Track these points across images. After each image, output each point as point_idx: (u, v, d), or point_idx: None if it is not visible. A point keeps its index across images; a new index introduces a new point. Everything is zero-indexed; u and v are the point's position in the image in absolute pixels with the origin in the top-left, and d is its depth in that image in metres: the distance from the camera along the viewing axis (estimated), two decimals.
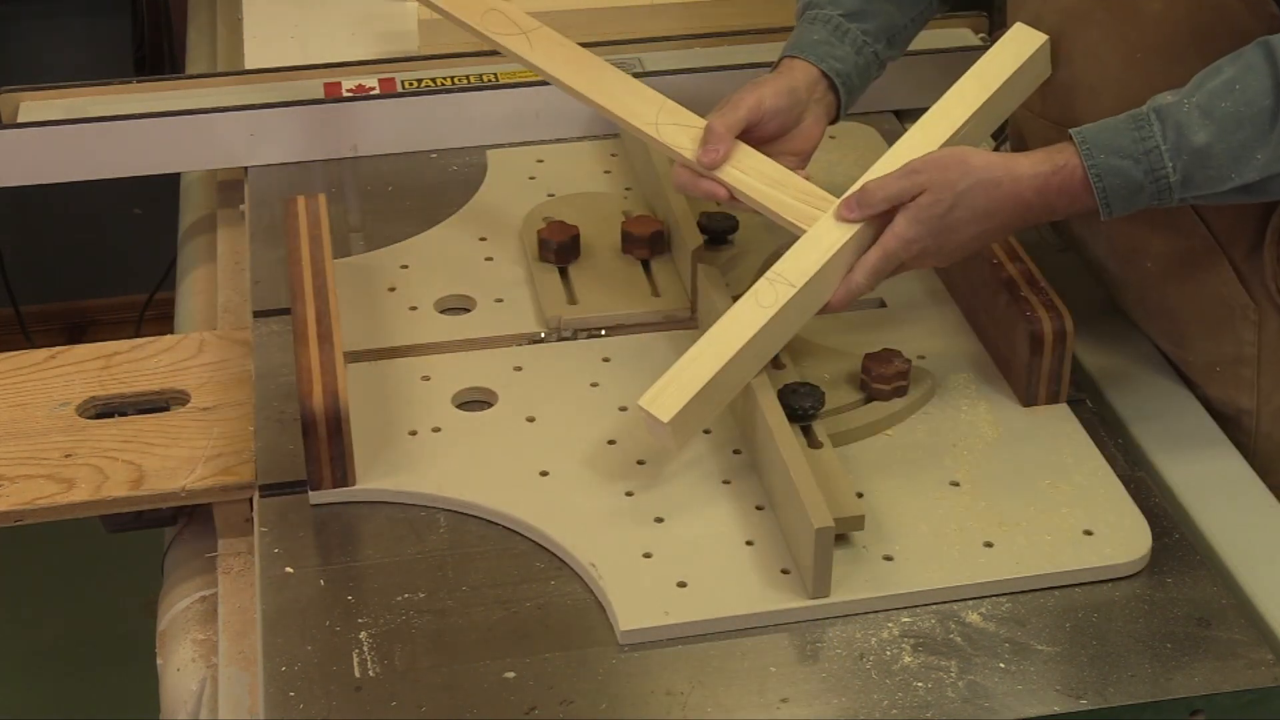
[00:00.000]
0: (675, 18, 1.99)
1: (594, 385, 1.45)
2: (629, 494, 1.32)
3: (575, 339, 1.51)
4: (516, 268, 1.60)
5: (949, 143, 1.38)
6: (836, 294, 1.34)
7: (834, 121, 1.50)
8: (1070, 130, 1.30)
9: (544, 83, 1.78)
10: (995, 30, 1.92)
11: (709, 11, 2.00)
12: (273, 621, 1.22)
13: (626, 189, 1.73)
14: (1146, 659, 1.19)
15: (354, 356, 1.46)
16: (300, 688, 1.16)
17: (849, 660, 1.19)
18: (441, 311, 1.55)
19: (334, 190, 1.76)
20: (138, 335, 1.66)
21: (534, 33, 1.52)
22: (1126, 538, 1.28)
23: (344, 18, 2.06)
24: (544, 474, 1.34)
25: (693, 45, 1.96)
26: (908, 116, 1.87)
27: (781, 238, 1.52)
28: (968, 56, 1.89)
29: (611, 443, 1.37)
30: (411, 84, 1.85)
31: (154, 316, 3.04)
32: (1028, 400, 1.42)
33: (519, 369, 1.47)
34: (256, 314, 1.56)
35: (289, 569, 1.27)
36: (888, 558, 1.26)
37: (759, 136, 1.44)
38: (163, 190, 2.02)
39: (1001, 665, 1.18)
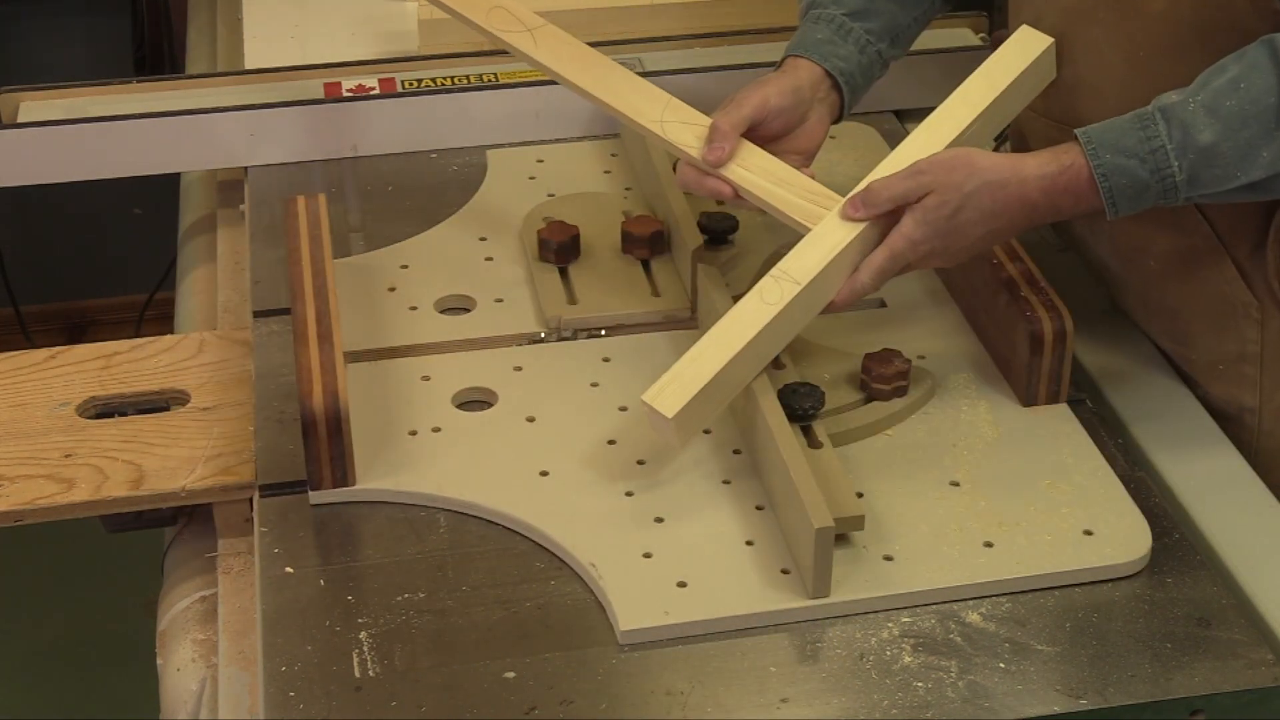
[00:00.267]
0: (675, 18, 1.99)
1: (594, 385, 1.45)
2: (629, 494, 1.32)
3: (575, 339, 1.51)
4: (516, 268, 1.60)
5: (954, 144, 1.38)
6: (841, 293, 1.34)
7: (837, 121, 1.50)
8: (1075, 130, 1.30)
9: (544, 82, 1.79)
10: (995, 30, 1.91)
11: (709, 11, 2.00)
12: (273, 621, 1.22)
13: (626, 189, 1.73)
14: (1146, 659, 1.19)
15: (354, 356, 1.46)
16: (300, 688, 1.16)
17: (849, 660, 1.19)
18: (441, 311, 1.55)
19: (334, 190, 1.76)
20: (138, 335, 1.66)
21: (539, 30, 1.51)
22: (1126, 538, 1.28)
23: (344, 18, 2.06)
24: (544, 474, 1.34)
25: (693, 45, 1.96)
26: (908, 117, 1.87)
27: (782, 238, 1.52)
28: (968, 56, 1.90)
29: (611, 443, 1.37)
30: (411, 84, 1.85)
31: (154, 316, 3.03)
32: (1028, 400, 1.42)
33: (519, 369, 1.47)
34: (256, 314, 1.55)
35: (289, 569, 1.27)
36: (888, 558, 1.26)
37: (763, 135, 1.44)
38: (163, 190, 2.02)
39: (1001, 665, 1.18)
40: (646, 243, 1.58)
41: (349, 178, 1.79)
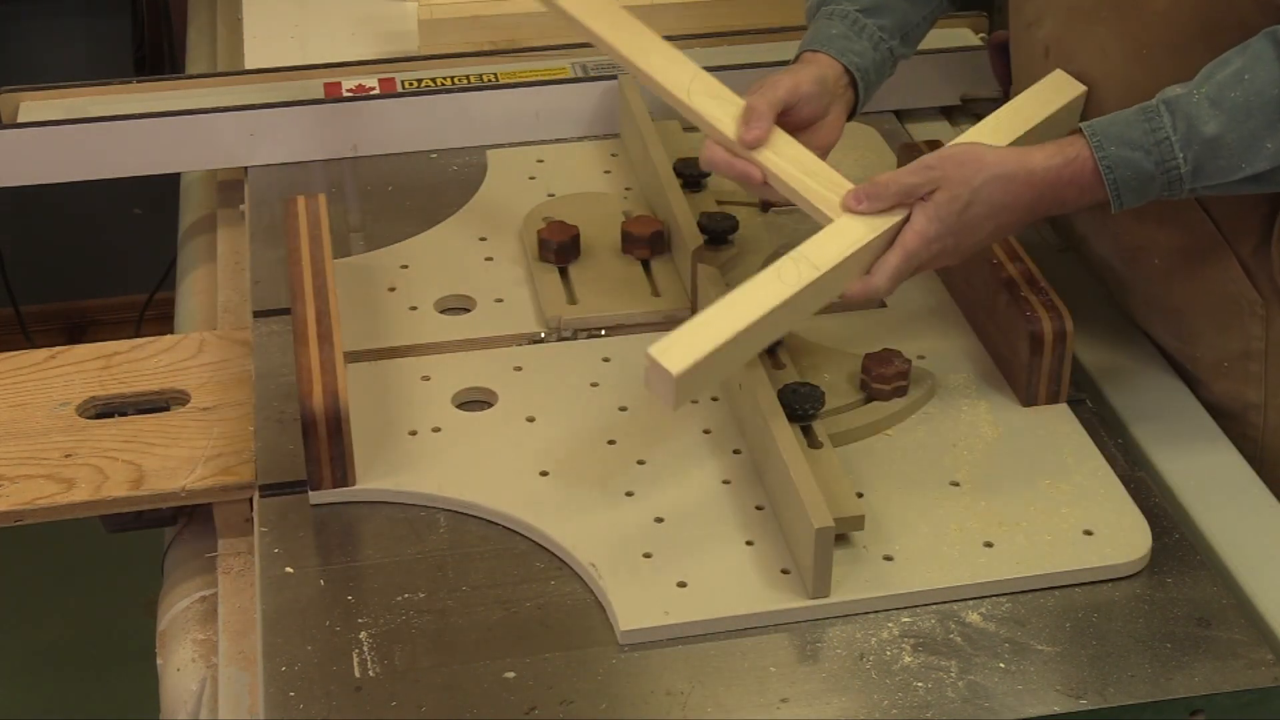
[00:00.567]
0: (675, 18, 1.98)
1: (594, 385, 1.45)
2: (629, 494, 1.32)
3: (575, 339, 1.51)
4: (516, 268, 1.60)
5: None
6: (854, 289, 1.32)
7: (850, 118, 1.49)
8: (1080, 124, 1.30)
9: (544, 82, 1.78)
10: (995, 30, 1.91)
11: (709, 11, 2.00)
12: (273, 621, 1.22)
13: (626, 189, 1.73)
14: (1146, 659, 1.19)
15: (354, 356, 1.46)
16: (300, 688, 1.16)
17: (849, 660, 1.19)
18: (441, 311, 1.55)
19: (334, 190, 1.76)
20: (138, 335, 1.66)
21: None
22: (1126, 538, 1.28)
23: (344, 18, 2.06)
24: (544, 474, 1.34)
25: (693, 45, 1.96)
26: (908, 117, 1.87)
27: (783, 238, 1.52)
28: (968, 56, 1.90)
29: (611, 443, 1.37)
30: (411, 84, 1.85)
31: (154, 316, 3.04)
32: (1028, 400, 1.42)
33: (519, 369, 1.47)
34: (256, 314, 1.55)
35: (289, 569, 1.27)
36: (888, 558, 1.26)
37: (791, 123, 1.42)
38: (163, 190, 2.02)
39: (1001, 665, 1.18)
40: (646, 243, 1.58)
41: (349, 178, 1.79)
